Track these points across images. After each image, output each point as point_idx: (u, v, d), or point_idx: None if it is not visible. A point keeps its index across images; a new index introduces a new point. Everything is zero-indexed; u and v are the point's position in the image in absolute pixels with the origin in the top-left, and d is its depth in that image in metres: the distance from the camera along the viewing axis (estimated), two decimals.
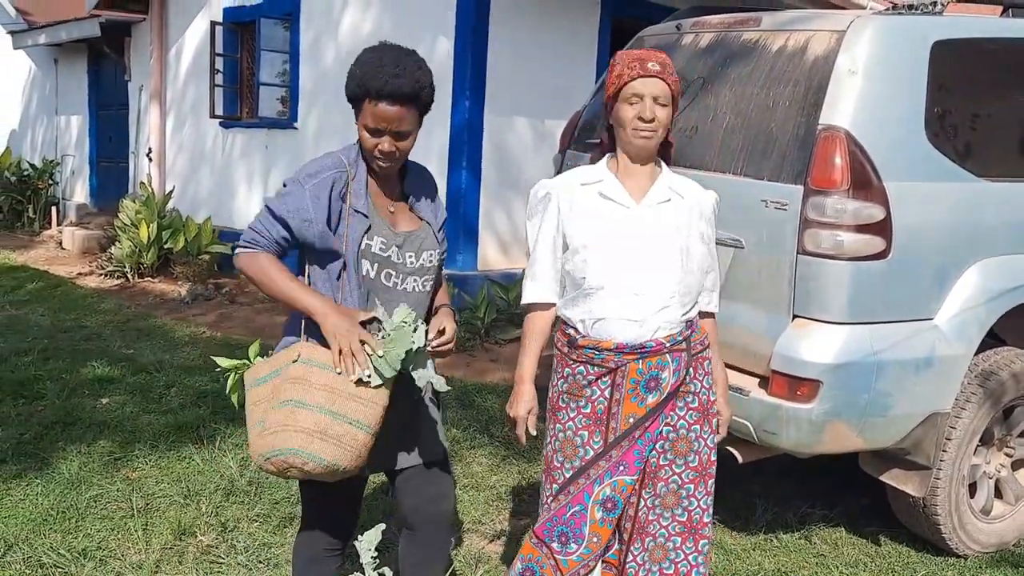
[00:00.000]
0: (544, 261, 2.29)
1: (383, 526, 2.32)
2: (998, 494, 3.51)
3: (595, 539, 2.22)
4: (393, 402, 2.13)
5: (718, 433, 2.32)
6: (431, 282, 2.29)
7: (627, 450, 2.20)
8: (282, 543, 3.24)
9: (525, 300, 2.34)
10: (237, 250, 2.17)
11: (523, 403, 2.28)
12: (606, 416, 2.22)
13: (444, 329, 2.22)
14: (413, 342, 2.05)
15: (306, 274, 2.23)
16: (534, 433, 2.31)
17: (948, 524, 3.27)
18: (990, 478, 3.47)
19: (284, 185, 2.16)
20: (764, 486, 3.85)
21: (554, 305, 2.31)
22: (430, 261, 2.26)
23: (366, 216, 2.15)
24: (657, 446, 2.22)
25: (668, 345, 2.18)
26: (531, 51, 6.91)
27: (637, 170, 2.22)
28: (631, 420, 2.19)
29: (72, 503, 3.49)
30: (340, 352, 2.03)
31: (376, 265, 2.17)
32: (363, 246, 2.15)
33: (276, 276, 2.11)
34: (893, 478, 3.23)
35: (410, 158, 2.29)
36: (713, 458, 2.29)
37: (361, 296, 2.16)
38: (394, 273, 2.20)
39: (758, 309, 3.13)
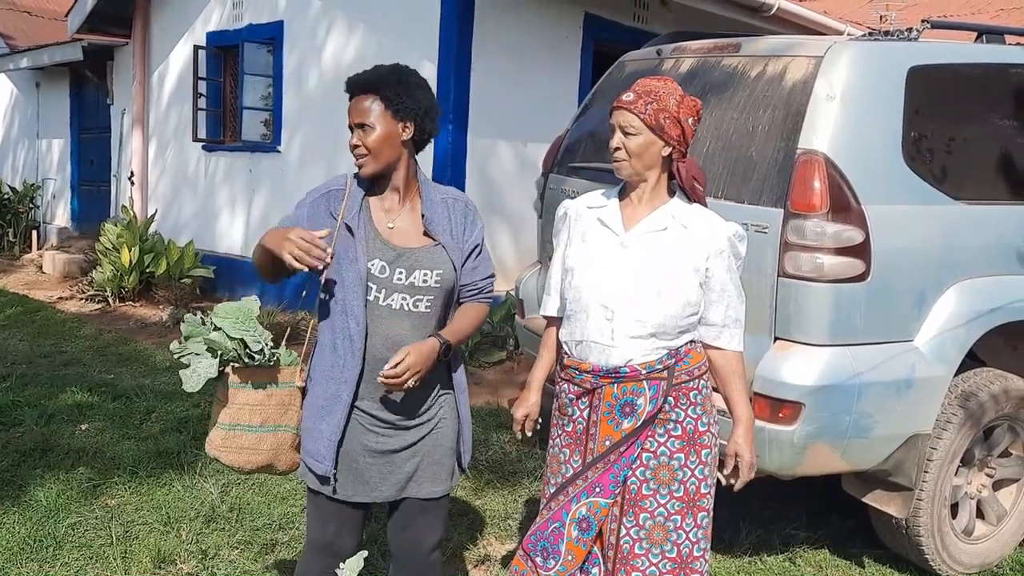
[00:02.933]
0: (556, 277, 2.39)
1: (365, 553, 2.30)
2: (980, 515, 3.53)
3: (570, 557, 2.22)
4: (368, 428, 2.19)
5: (739, 477, 2.26)
6: (426, 303, 2.22)
7: (603, 473, 2.20)
8: (263, 570, 3.21)
9: (540, 312, 2.49)
10: None
11: (521, 408, 2.43)
12: (585, 436, 2.25)
13: (400, 361, 2.08)
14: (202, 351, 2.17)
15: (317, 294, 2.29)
16: (529, 435, 2.44)
17: (931, 545, 3.27)
18: (972, 499, 3.48)
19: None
20: (748, 508, 3.84)
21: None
22: (424, 281, 2.20)
23: (351, 230, 2.18)
24: (637, 473, 2.21)
25: (644, 372, 2.18)
26: (514, 75, 6.96)
27: (635, 197, 2.24)
28: (607, 443, 2.20)
29: (49, 531, 3.44)
30: (293, 256, 2.01)
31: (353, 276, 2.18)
32: (346, 259, 2.17)
33: (258, 245, 2.18)
34: (875, 499, 3.24)
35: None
36: (704, 491, 2.23)
37: (361, 310, 2.15)
38: (375, 287, 2.18)
39: None
